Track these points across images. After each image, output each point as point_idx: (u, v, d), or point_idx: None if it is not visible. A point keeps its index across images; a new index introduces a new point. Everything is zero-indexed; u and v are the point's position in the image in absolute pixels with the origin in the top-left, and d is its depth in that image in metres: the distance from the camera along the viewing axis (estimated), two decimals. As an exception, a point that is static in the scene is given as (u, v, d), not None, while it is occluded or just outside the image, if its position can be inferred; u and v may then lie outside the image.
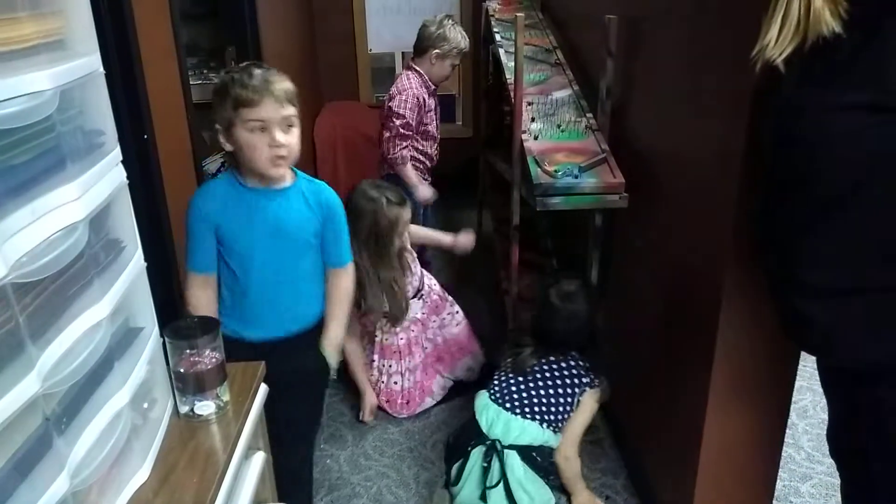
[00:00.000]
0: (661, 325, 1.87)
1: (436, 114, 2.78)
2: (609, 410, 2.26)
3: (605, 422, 2.26)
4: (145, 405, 1.12)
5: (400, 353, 2.40)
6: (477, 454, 1.81)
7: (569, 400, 1.89)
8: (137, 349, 1.10)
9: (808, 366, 2.56)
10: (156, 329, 1.17)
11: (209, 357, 1.19)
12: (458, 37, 2.63)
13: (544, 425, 1.86)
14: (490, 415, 1.86)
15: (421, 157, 2.77)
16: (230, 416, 1.22)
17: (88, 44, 1.02)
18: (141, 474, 1.06)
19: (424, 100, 2.65)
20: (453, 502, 1.84)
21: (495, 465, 1.78)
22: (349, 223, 1.67)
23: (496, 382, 1.93)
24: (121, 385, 1.01)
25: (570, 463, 1.91)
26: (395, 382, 2.39)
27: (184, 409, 1.21)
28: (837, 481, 2.01)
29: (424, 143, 2.76)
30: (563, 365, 1.91)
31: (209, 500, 1.03)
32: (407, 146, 2.64)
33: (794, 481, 2.05)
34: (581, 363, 1.93)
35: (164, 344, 1.18)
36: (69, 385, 0.87)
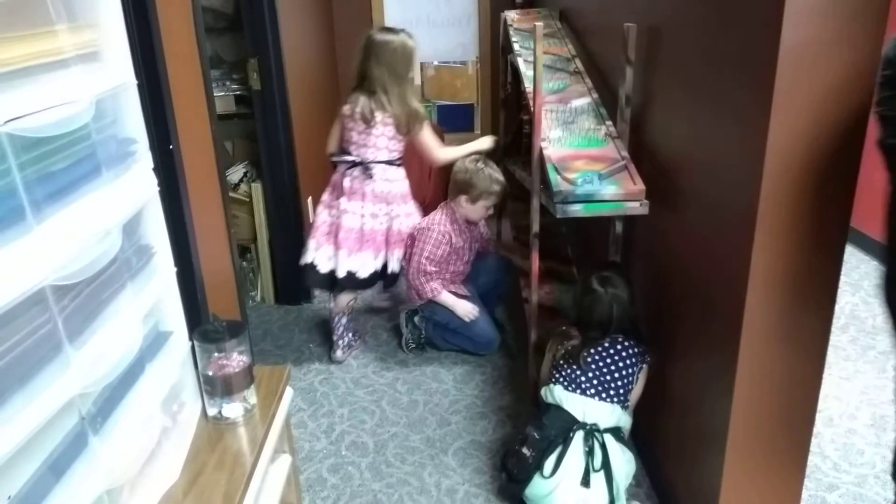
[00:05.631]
0: (683, 334, 1.86)
1: (469, 248, 2.79)
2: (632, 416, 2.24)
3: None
4: (175, 407, 1.14)
5: (363, 196, 2.62)
6: (578, 440, 1.84)
7: (630, 379, 1.93)
8: (168, 352, 1.12)
9: (832, 374, 2.54)
10: (185, 333, 1.20)
11: (237, 360, 1.21)
12: (487, 181, 2.61)
13: (619, 405, 1.91)
14: (577, 403, 1.89)
15: (448, 277, 2.78)
16: (257, 419, 1.24)
17: (121, 55, 1.05)
18: (171, 475, 1.07)
19: (451, 237, 2.67)
20: (548, 497, 1.82)
21: (597, 449, 1.82)
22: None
23: (563, 375, 1.95)
24: (152, 387, 1.04)
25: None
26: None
27: (212, 411, 1.23)
28: (864, 491, 2.00)
29: (450, 271, 2.78)
30: (619, 347, 1.94)
31: (237, 501, 1.04)
32: (436, 280, 2.71)
33: (820, 491, 2.02)
34: (630, 342, 1.96)
35: (192, 347, 1.21)
36: (103, 385, 0.90)
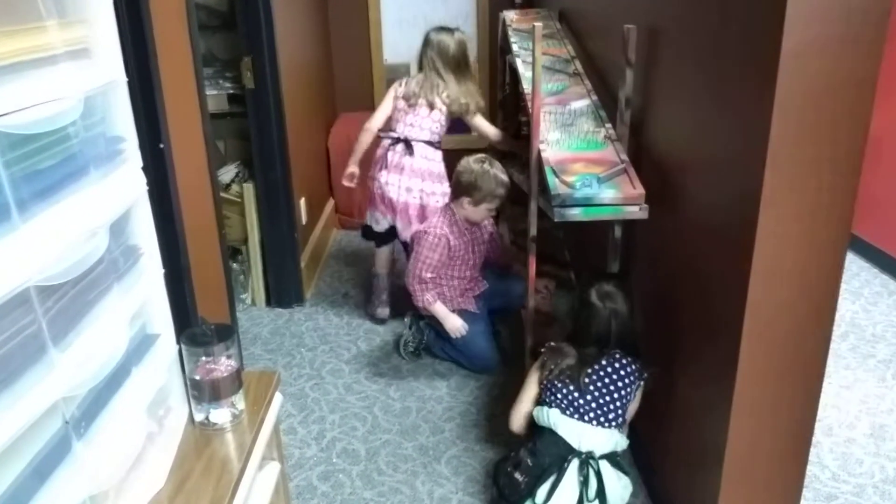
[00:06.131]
0: (682, 340, 1.84)
1: (473, 251, 2.75)
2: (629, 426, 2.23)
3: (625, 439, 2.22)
4: (161, 412, 1.11)
5: (402, 170, 2.91)
6: (573, 469, 1.79)
7: (629, 398, 1.87)
8: (154, 356, 1.09)
9: (832, 382, 2.53)
10: (172, 336, 1.17)
11: (225, 365, 1.18)
12: (493, 184, 2.56)
13: (617, 429, 1.85)
14: (574, 430, 1.82)
15: (455, 285, 2.75)
16: (245, 425, 1.21)
17: (111, 52, 1.03)
18: (157, 481, 1.05)
19: (448, 240, 2.64)
20: None
21: (592, 478, 1.77)
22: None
23: (559, 397, 1.86)
24: (138, 391, 1.01)
25: None
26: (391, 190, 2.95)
27: (199, 416, 1.20)
28: (863, 501, 1.98)
29: (455, 277, 2.75)
30: (617, 366, 1.86)
31: (225, 509, 1.02)
32: (433, 290, 2.68)
33: (818, 501, 2.00)
34: (627, 359, 1.88)
35: (179, 351, 1.18)
36: (88, 389, 0.87)
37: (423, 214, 2.93)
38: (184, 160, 1.93)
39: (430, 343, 2.79)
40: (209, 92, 2.90)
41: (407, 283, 2.70)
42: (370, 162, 3.05)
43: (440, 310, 2.66)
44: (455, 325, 2.66)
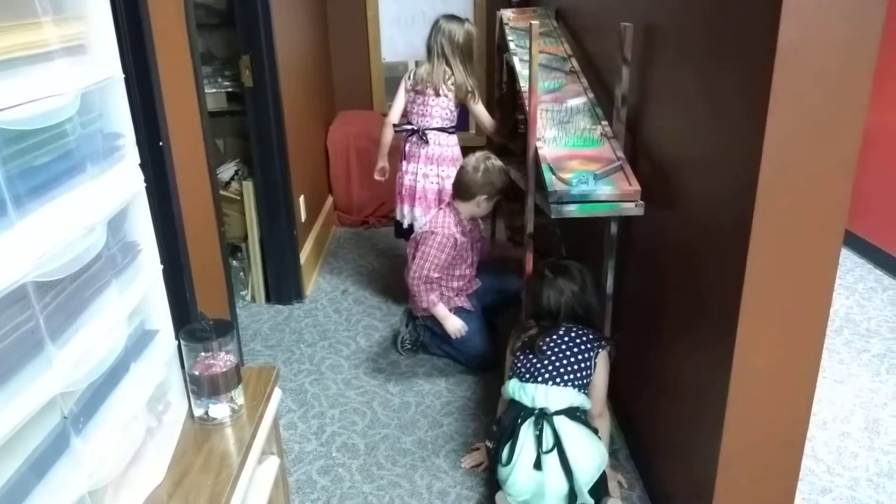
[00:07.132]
0: (679, 336, 1.85)
1: (472, 249, 2.77)
2: (624, 421, 2.24)
3: (620, 433, 2.23)
4: (160, 407, 1.12)
5: (418, 158, 3.09)
6: (527, 426, 1.85)
7: (587, 363, 1.95)
8: (153, 351, 1.10)
9: (826, 377, 2.54)
10: (171, 332, 1.18)
11: (224, 360, 1.19)
12: (503, 177, 2.64)
13: (576, 388, 1.92)
14: (528, 391, 1.91)
15: (454, 285, 2.77)
16: (244, 420, 1.22)
17: (108, 49, 1.03)
18: (156, 476, 1.06)
19: (456, 239, 2.66)
20: (508, 481, 1.83)
21: (547, 430, 1.83)
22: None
23: (519, 366, 1.98)
24: (137, 386, 1.02)
25: (604, 419, 2.01)
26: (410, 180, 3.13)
27: (198, 411, 1.21)
28: (857, 495, 1.99)
29: (456, 276, 2.76)
30: (573, 335, 1.97)
31: (223, 503, 1.02)
32: (437, 291, 2.68)
33: (813, 494, 2.01)
34: (584, 330, 2.00)
35: (178, 346, 1.19)
36: (86, 385, 0.88)
37: (440, 198, 3.07)
38: (183, 158, 1.93)
39: (427, 341, 2.80)
40: (208, 90, 2.90)
41: (411, 284, 2.69)
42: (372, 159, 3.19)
43: (441, 311, 2.67)
44: (455, 325, 2.67)
